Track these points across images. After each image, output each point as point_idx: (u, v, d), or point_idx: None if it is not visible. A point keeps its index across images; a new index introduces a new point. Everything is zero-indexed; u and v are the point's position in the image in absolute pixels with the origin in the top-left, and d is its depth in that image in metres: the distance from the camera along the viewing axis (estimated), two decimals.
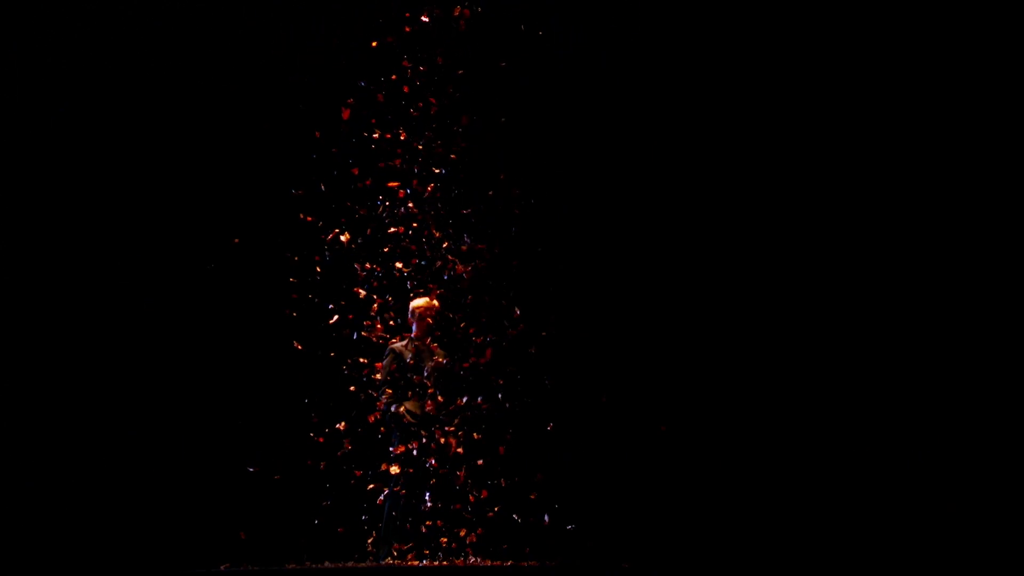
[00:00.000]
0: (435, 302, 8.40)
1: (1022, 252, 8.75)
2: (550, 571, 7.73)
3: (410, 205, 8.39)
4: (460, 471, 7.99)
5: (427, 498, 7.96)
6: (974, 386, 8.67)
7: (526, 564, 7.80)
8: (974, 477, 8.54)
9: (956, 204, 8.91)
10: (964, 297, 8.81)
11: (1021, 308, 8.68)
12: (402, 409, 8.20)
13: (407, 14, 8.36)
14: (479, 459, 8.07)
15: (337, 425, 8.19)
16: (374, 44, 8.40)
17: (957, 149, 8.96)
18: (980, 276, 8.80)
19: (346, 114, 8.31)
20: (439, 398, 8.17)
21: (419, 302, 8.40)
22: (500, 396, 8.20)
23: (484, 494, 8.00)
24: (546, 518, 8.16)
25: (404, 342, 8.37)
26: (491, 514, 7.99)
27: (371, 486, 8.05)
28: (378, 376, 8.31)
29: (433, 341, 8.39)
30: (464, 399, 8.16)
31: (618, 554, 8.63)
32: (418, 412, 8.21)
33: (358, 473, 8.11)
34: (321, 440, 8.20)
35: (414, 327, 8.40)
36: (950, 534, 8.44)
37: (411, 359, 8.25)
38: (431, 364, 8.28)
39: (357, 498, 8.13)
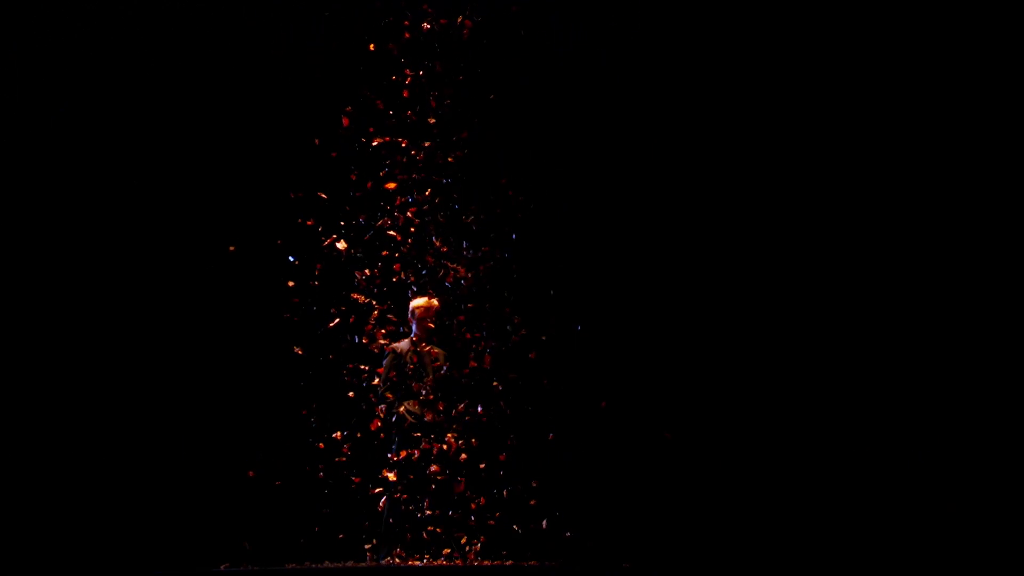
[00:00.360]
0: (434, 302, 8.40)
1: (1021, 252, 8.73)
2: (550, 571, 7.75)
3: (409, 214, 8.38)
4: (461, 478, 7.99)
5: (426, 505, 7.97)
6: (974, 386, 8.65)
7: (526, 564, 7.82)
8: (974, 477, 8.53)
9: (955, 204, 8.89)
10: (963, 297, 8.79)
11: (1020, 308, 8.67)
12: (402, 410, 8.20)
13: (406, 22, 8.33)
14: (480, 464, 8.07)
15: (334, 435, 8.19)
16: (372, 47, 8.38)
17: (957, 149, 8.93)
18: (980, 276, 8.78)
19: (346, 121, 8.31)
20: (440, 406, 8.17)
21: (419, 302, 8.39)
22: (501, 403, 8.20)
23: (483, 501, 8.00)
24: (544, 523, 8.16)
25: (404, 343, 8.38)
26: (492, 522, 7.99)
27: (372, 492, 8.06)
28: (376, 382, 8.31)
29: (433, 343, 8.40)
30: (464, 405, 8.16)
31: (618, 554, 8.63)
32: (418, 412, 8.21)
33: (356, 480, 8.11)
34: (321, 446, 8.20)
35: (414, 327, 8.40)
36: (950, 534, 8.42)
37: (411, 360, 8.26)
38: (429, 379, 8.26)
39: (357, 504, 8.13)
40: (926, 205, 8.94)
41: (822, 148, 9.14)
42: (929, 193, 8.94)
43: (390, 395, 8.21)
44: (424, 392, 8.18)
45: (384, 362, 8.31)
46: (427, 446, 8.03)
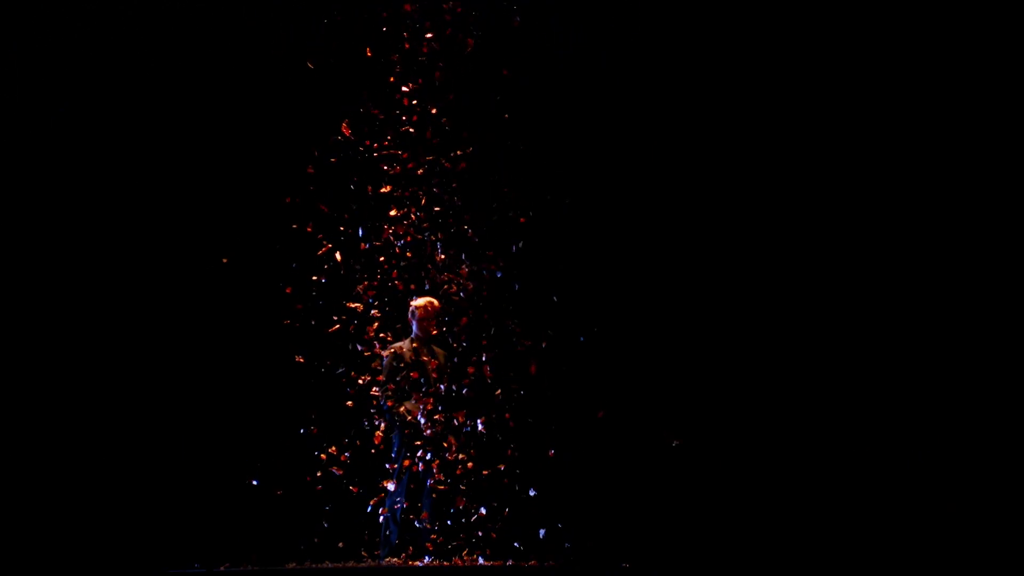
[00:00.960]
0: (435, 302, 8.42)
1: (1022, 252, 8.73)
2: (550, 571, 7.78)
3: (409, 221, 8.39)
4: (462, 486, 8.02)
5: (426, 516, 8.00)
6: (974, 386, 8.66)
7: (526, 564, 7.85)
8: (974, 477, 8.54)
9: (955, 204, 8.88)
10: (964, 297, 8.79)
11: (1020, 308, 8.67)
12: (402, 410, 8.22)
13: (405, 33, 8.32)
14: (482, 471, 8.10)
15: (330, 449, 8.22)
16: (368, 52, 8.37)
17: (957, 149, 8.92)
18: (980, 276, 8.78)
19: (347, 131, 8.31)
20: (439, 415, 8.19)
21: (419, 302, 8.41)
22: (507, 415, 8.23)
23: (483, 513, 8.03)
24: (541, 533, 8.19)
25: (404, 342, 8.39)
26: (494, 534, 8.02)
27: (372, 502, 8.10)
28: (375, 390, 8.32)
29: (434, 342, 8.43)
30: (463, 415, 8.17)
31: (618, 554, 8.66)
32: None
33: (355, 490, 8.14)
34: (324, 457, 8.23)
35: (414, 327, 8.41)
36: (950, 534, 8.44)
37: (411, 359, 8.28)
38: (430, 390, 8.27)
39: (356, 513, 8.17)
40: (926, 205, 8.93)
41: (823, 150, 9.12)
42: (929, 193, 8.93)
43: (391, 402, 8.22)
44: (424, 405, 8.19)
45: (384, 363, 8.32)
46: (424, 455, 8.06)
